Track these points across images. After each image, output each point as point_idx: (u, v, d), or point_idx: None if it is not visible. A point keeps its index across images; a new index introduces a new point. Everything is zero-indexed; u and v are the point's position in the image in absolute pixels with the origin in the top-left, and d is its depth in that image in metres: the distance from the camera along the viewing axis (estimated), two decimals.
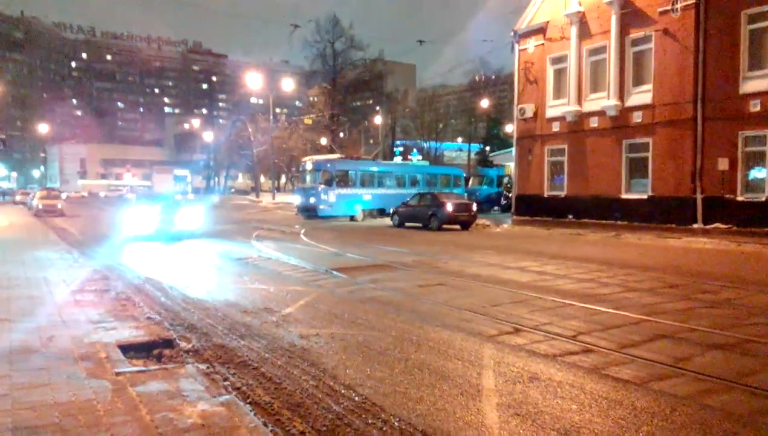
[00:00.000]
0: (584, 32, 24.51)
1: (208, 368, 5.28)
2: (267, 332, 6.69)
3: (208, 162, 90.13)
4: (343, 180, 29.68)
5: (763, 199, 19.15)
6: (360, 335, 6.55)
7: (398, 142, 75.17)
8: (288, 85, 61.05)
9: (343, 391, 4.79)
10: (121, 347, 5.65)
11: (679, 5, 20.84)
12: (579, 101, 24.88)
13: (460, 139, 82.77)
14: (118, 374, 4.84)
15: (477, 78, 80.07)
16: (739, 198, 19.75)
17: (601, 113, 23.92)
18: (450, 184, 35.05)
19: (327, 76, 65.19)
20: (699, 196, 20.65)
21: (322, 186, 28.82)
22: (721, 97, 20.11)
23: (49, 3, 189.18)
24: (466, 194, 34.84)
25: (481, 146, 69.43)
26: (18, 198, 55.77)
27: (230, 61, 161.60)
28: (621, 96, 23.14)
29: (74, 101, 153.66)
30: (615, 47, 23.05)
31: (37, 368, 4.98)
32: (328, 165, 29.98)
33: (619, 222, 22.63)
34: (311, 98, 71.19)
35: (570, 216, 24.90)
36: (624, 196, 23.27)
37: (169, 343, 6.00)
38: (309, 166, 30.66)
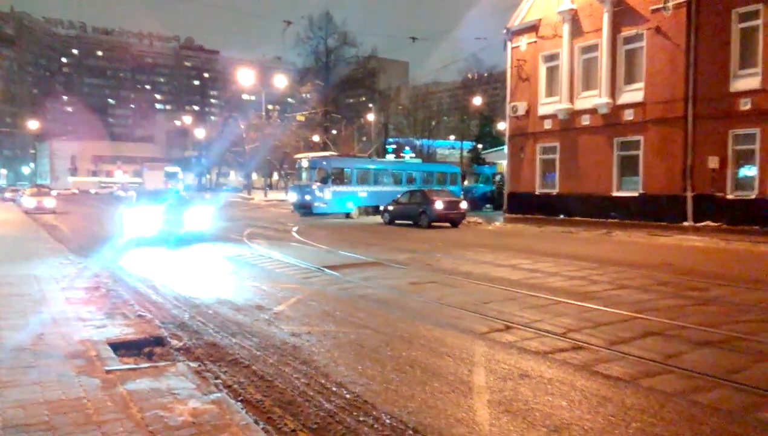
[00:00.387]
0: (576, 30, 24.57)
1: (199, 365, 5.28)
2: (258, 330, 6.68)
3: (200, 159, 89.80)
4: (339, 178, 29.68)
5: (753, 197, 19.28)
6: (352, 333, 6.55)
7: (391, 140, 75.14)
8: (281, 81, 60.88)
9: (334, 388, 4.79)
10: (112, 345, 5.62)
11: (670, 3, 20.92)
12: (571, 99, 24.95)
13: (452, 137, 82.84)
14: (108, 372, 4.82)
15: (470, 76, 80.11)
16: (729, 196, 19.88)
17: (592, 111, 24.00)
18: (447, 182, 35.08)
19: (320, 73, 65.05)
20: (689, 194, 20.77)
21: (318, 183, 28.85)
22: (712, 95, 20.23)
23: None
24: (462, 192, 34.97)
25: (474, 144, 69.53)
26: (7, 195, 55.36)
27: (222, 57, 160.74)
28: (613, 94, 23.23)
29: (65, 97, 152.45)
30: (607, 45, 23.12)
31: (27, 365, 4.95)
32: (324, 163, 29.97)
33: (610, 220, 22.72)
34: (304, 95, 70.92)
35: (562, 214, 24.99)
36: (615, 193, 23.37)
37: (159, 341, 5.99)
38: (305, 163, 30.67)
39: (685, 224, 20.52)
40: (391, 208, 25.29)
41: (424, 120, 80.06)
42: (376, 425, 4.06)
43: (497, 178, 39.07)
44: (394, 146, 71.60)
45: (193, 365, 5.24)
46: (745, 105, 19.39)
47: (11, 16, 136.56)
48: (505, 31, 28.05)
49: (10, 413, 3.92)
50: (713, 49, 20.18)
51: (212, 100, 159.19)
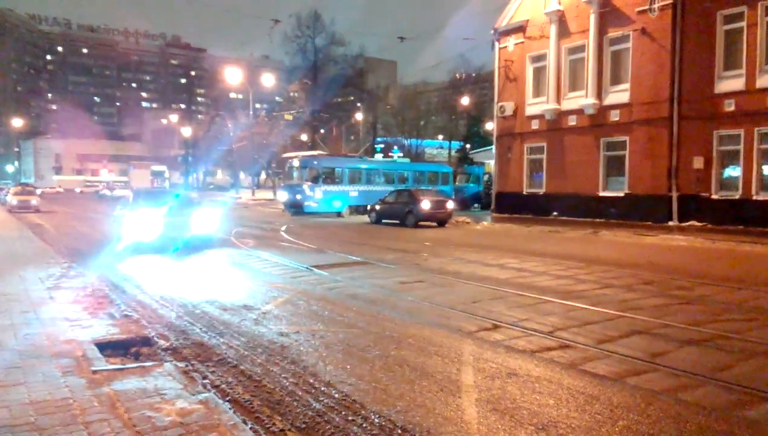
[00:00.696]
0: (563, 31, 24.71)
1: (186, 365, 5.25)
2: (246, 330, 6.66)
3: (187, 158, 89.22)
4: (330, 177, 29.73)
5: (737, 197, 19.51)
6: (340, 332, 6.55)
7: (379, 139, 75.14)
8: (268, 80, 60.63)
9: (323, 388, 4.79)
10: (98, 345, 5.58)
11: (656, 5, 21.12)
12: (558, 99, 25.10)
13: (440, 137, 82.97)
14: (95, 372, 4.79)
15: (458, 76, 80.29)
16: (714, 196, 20.10)
17: (579, 112, 24.16)
18: (438, 182, 35.18)
19: (308, 72, 64.82)
20: (674, 194, 20.97)
21: (309, 183, 28.91)
22: (697, 96, 20.44)
23: None
24: (454, 191, 35.11)
25: (462, 144, 69.67)
26: None
27: (209, 55, 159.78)
28: (599, 95, 23.40)
29: (49, 95, 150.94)
30: (593, 46, 23.28)
31: (12, 366, 4.90)
32: (315, 162, 30.03)
33: (596, 219, 22.88)
34: (292, 94, 70.86)
35: (549, 213, 25.13)
36: (601, 193, 23.55)
37: (146, 341, 5.95)
38: (296, 163, 30.75)
39: (671, 223, 20.72)
40: (378, 207, 25.27)
41: (413, 120, 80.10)
42: (364, 425, 4.06)
43: (485, 177, 39.21)
44: (383, 146, 71.58)
45: (181, 365, 5.22)
46: (730, 106, 19.61)
47: None
48: (492, 31, 28.15)
49: None
50: (698, 50, 20.39)
51: (199, 99, 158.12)
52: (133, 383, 4.57)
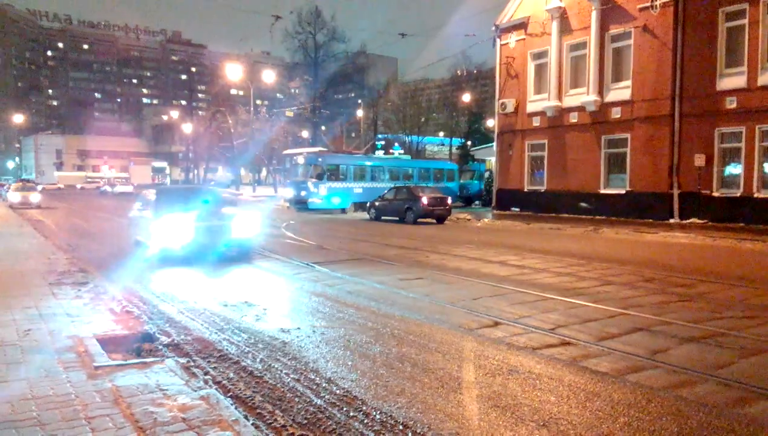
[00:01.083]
0: (565, 28, 24.68)
1: (188, 361, 5.26)
2: (247, 326, 6.67)
3: (187, 154, 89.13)
4: (334, 174, 29.85)
5: (738, 194, 19.51)
6: (341, 329, 6.56)
7: (380, 136, 75.09)
8: (269, 76, 60.65)
9: (324, 384, 4.80)
10: (100, 341, 5.59)
11: (658, 2, 21.08)
12: (559, 96, 25.07)
13: (441, 134, 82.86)
14: (97, 368, 4.80)
15: (459, 72, 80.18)
16: (715, 194, 20.10)
17: (580, 109, 24.14)
18: (444, 179, 35.25)
19: (308, 69, 64.82)
20: (676, 192, 20.97)
21: (313, 180, 29.02)
22: (699, 93, 20.42)
23: None
24: (459, 188, 35.23)
25: (463, 141, 69.62)
26: None
27: (210, 51, 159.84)
28: (600, 92, 23.38)
29: (50, 91, 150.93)
30: (595, 43, 23.25)
31: (14, 361, 4.91)
32: (320, 159, 30.13)
33: (597, 217, 22.89)
34: (292, 90, 70.71)
35: (550, 211, 25.12)
36: (602, 191, 23.55)
37: (148, 337, 5.96)
38: (300, 159, 30.89)
39: (672, 221, 20.72)
40: (377, 204, 25.26)
41: (414, 116, 79.99)
42: (366, 421, 4.07)
43: (486, 174, 39.23)
44: (383, 143, 71.54)
45: (182, 360, 5.23)
46: (731, 103, 19.60)
47: None
48: (494, 28, 28.13)
49: None
50: (700, 47, 20.36)
51: (200, 95, 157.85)
52: (135, 378, 4.58)
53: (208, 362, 5.36)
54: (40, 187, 42.75)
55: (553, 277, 10.18)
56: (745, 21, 19.25)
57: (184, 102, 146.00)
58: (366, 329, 6.57)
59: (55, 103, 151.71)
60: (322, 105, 66.35)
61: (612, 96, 23.13)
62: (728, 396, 4.57)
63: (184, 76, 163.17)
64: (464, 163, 49.26)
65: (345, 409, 4.28)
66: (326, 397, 4.51)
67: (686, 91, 20.77)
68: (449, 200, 24.35)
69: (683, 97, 20.83)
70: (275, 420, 4.08)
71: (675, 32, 20.93)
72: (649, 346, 5.88)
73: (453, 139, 76.03)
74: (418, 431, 3.91)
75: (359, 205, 30.38)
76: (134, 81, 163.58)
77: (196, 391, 4.34)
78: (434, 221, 23.46)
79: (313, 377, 4.98)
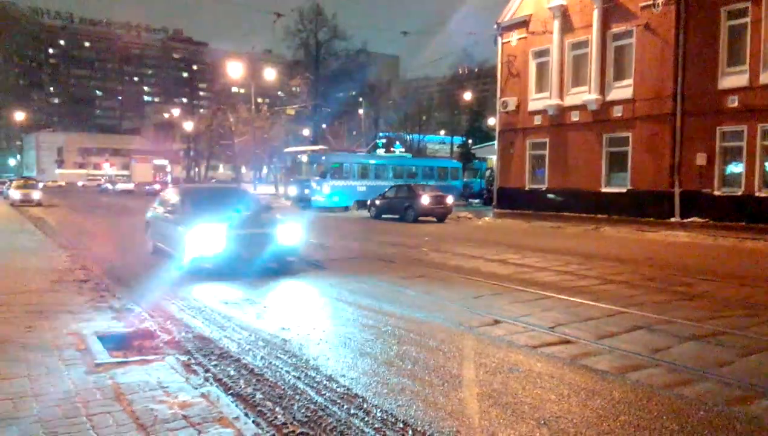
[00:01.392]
0: (567, 26, 24.64)
1: (188, 359, 5.26)
2: (248, 324, 6.67)
3: (189, 152, 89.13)
4: (338, 172, 29.97)
5: (740, 193, 19.49)
6: (341, 326, 6.56)
7: (381, 134, 75.05)
8: (270, 74, 60.52)
9: (325, 382, 4.80)
10: (101, 338, 5.60)
11: (660, 0, 21.03)
12: (561, 95, 25.04)
13: (442, 132, 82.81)
14: (98, 365, 4.80)
15: (460, 70, 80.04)
16: (716, 192, 20.08)
17: (582, 107, 24.11)
18: (447, 177, 35.30)
19: (310, 67, 64.69)
20: (677, 191, 20.95)
21: (317, 178, 29.14)
22: (700, 92, 20.38)
23: None
24: (463, 187, 35.27)
25: (464, 139, 69.54)
26: None
27: (211, 49, 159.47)
28: (602, 90, 23.34)
29: (51, 89, 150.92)
30: (596, 42, 23.22)
31: (15, 359, 4.92)
32: (323, 157, 30.26)
33: (598, 215, 22.87)
34: (293, 88, 70.57)
35: (551, 209, 25.10)
36: (604, 189, 23.52)
37: (149, 334, 5.97)
38: (304, 158, 31.00)
39: (673, 219, 20.70)
40: (377, 202, 25.27)
41: (415, 115, 79.93)
42: (366, 418, 4.07)
43: (487, 173, 39.24)
44: (384, 141, 71.50)
45: (183, 358, 5.23)
46: (733, 102, 19.57)
47: None
48: (495, 26, 28.10)
49: None
50: (702, 46, 20.33)
51: (201, 93, 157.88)
52: (135, 375, 4.58)
53: (209, 359, 5.36)
54: (41, 185, 42.83)
55: (553, 275, 10.18)
56: (747, 19, 19.21)
57: (185, 100, 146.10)
58: (366, 326, 6.58)
59: (56, 100, 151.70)
60: (323, 103, 66.32)
61: (613, 95, 23.10)
62: (729, 395, 4.57)
63: (185, 74, 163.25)
64: (467, 162, 49.31)
65: (346, 407, 4.28)
66: (327, 394, 4.52)
67: (688, 89, 20.74)
68: (449, 199, 24.34)
69: (685, 95, 20.80)
70: (276, 418, 4.08)
71: (677, 31, 20.89)
72: (650, 344, 5.88)
73: (454, 137, 75.95)
74: (419, 429, 3.91)
75: (362, 204, 30.43)
76: (135, 79, 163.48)
77: (196, 388, 4.35)
78: (434, 219, 23.45)
79: (313, 374, 4.98)
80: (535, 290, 8.70)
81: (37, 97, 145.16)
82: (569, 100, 24.77)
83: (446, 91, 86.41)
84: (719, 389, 4.71)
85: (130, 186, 66.19)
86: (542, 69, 26.18)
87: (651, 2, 21.30)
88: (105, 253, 12.68)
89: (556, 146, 25.43)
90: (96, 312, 6.66)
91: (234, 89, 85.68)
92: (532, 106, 26.42)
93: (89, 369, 4.70)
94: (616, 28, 22.83)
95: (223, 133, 68.76)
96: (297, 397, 4.47)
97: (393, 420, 4.04)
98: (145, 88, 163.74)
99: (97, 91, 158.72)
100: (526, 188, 26.90)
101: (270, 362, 5.29)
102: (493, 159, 32.51)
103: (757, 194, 19.10)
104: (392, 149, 61.77)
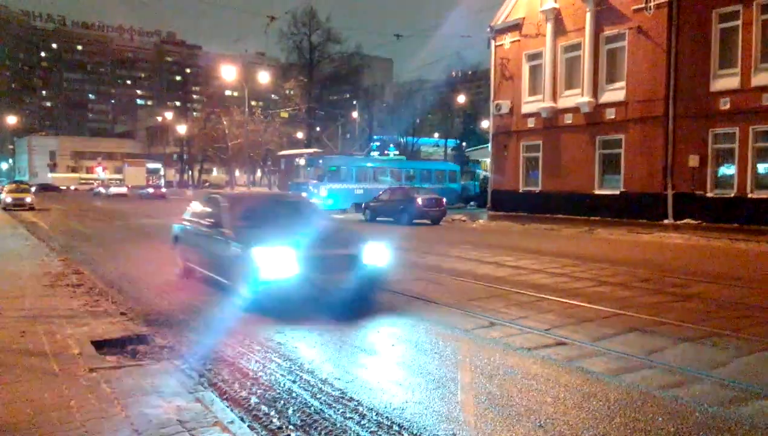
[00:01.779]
0: (559, 29, 24.74)
1: (183, 363, 5.23)
2: (242, 327, 6.65)
3: (182, 155, 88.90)
4: (336, 175, 30.04)
5: (732, 195, 19.59)
6: (336, 330, 6.55)
7: (376, 137, 75.11)
8: (264, 77, 60.46)
9: (320, 385, 4.79)
10: (95, 343, 5.57)
11: (652, 3, 21.16)
12: (554, 98, 25.13)
13: (436, 135, 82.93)
14: (92, 370, 4.77)
15: (454, 73, 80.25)
16: (709, 194, 20.18)
17: (575, 110, 24.20)
18: (445, 180, 35.39)
19: (303, 69, 64.73)
20: (670, 193, 21.04)
21: (314, 181, 29.19)
22: (692, 94, 20.50)
23: None
24: (461, 189, 35.37)
25: (458, 142, 69.69)
26: None
27: (204, 52, 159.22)
28: (595, 93, 23.44)
29: (44, 92, 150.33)
30: (589, 44, 23.32)
31: (9, 364, 4.88)
32: (321, 160, 30.39)
33: (592, 217, 22.93)
34: (287, 91, 70.53)
35: (545, 211, 25.15)
36: (597, 191, 23.60)
37: (143, 338, 5.93)
38: (302, 161, 31.11)
39: (666, 221, 20.79)
40: (372, 205, 25.27)
41: (409, 117, 79.98)
42: (362, 422, 4.06)
43: (481, 175, 39.35)
44: (378, 144, 71.53)
45: (178, 362, 5.20)
46: (725, 104, 19.68)
47: None
48: (488, 29, 28.18)
49: None
50: (694, 49, 20.45)
51: (194, 96, 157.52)
52: (130, 381, 4.56)
53: (204, 363, 5.33)
54: (33, 189, 42.61)
55: (548, 277, 10.20)
56: (739, 22, 19.34)
57: (178, 103, 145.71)
58: (361, 329, 6.57)
59: (48, 104, 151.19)
60: (317, 106, 66.31)
61: (606, 97, 23.20)
62: (724, 396, 4.59)
63: (178, 77, 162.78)
64: (462, 165, 49.47)
65: (341, 410, 4.27)
66: (322, 398, 4.51)
67: (680, 92, 20.85)
68: (444, 201, 24.36)
69: (677, 98, 20.91)
70: (271, 422, 4.06)
71: (669, 33, 21.00)
72: (645, 346, 5.90)
73: (448, 140, 76.10)
74: (414, 432, 3.90)
75: (360, 207, 30.46)
76: (128, 82, 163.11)
77: (191, 393, 4.33)
78: (429, 222, 23.46)
79: (308, 378, 4.97)
80: (530, 292, 8.71)
81: (29, 101, 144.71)
82: (562, 103, 24.86)
83: (440, 94, 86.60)
84: (714, 390, 4.72)
85: (124, 190, 65.92)
86: (535, 72, 26.27)
87: (643, 5, 21.42)
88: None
89: (550, 149, 25.51)
90: (90, 317, 6.62)
91: (227, 92, 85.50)
92: (526, 108, 26.49)
93: (83, 375, 4.66)
94: (609, 31, 22.93)
95: (217, 137, 68.55)
96: (292, 400, 4.45)
97: (389, 423, 4.03)
98: (138, 92, 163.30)
99: (90, 95, 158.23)
100: (520, 191, 26.97)
101: (265, 366, 5.25)
102: (487, 162, 32.58)
103: (749, 196, 19.21)
104: (386, 152, 61.82)
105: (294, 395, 4.58)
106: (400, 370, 5.25)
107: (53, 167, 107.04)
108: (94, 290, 8.24)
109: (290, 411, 4.25)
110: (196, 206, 10.15)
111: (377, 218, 24.85)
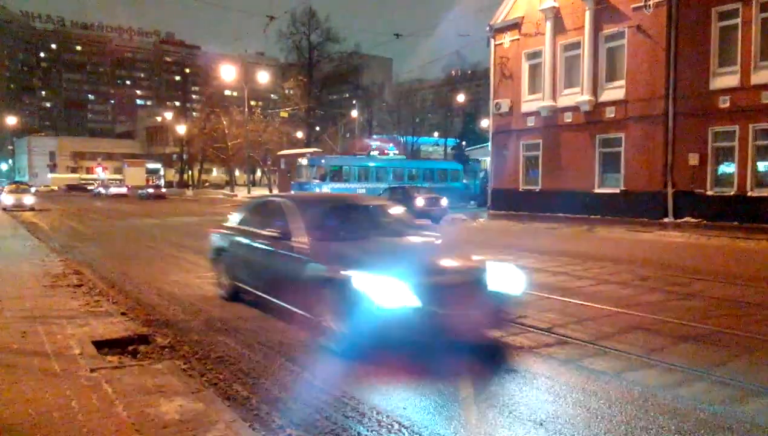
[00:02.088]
0: (559, 28, 24.71)
1: (184, 363, 5.23)
2: (244, 327, 6.65)
3: (182, 155, 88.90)
4: (338, 175, 30.17)
5: (732, 193, 19.58)
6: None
7: (375, 136, 75.14)
8: (263, 77, 60.54)
9: (321, 385, 4.79)
10: (96, 343, 5.56)
11: (651, 2, 21.13)
12: (554, 96, 25.11)
13: (436, 134, 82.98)
14: (93, 370, 4.77)
15: (453, 73, 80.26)
16: (709, 192, 20.17)
17: (575, 108, 24.18)
18: (448, 179, 35.44)
19: (303, 69, 64.75)
20: (670, 191, 21.03)
21: (316, 181, 29.32)
22: (692, 93, 20.48)
23: None
24: (464, 188, 35.41)
25: (458, 141, 69.70)
26: None
27: (203, 52, 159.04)
28: (594, 91, 23.42)
29: (43, 93, 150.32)
30: (589, 43, 23.29)
31: (9, 364, 4.88)
32: (323, 160, 30.56)
33: (592, 216, 22.91)
34: (287, 91, 70.53)
35: (545, 210, 25.13)
36: (597, 190, 23.58)
37: (144, 338, 5.93)
38: (304, 161, 31.25)
39: (666, 220, 20.78)
40: None
41: (408, 117, 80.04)
42: (364, 421, 4.06)
43: (481, 174, 39.36)
44: (378, 143, 71.52)
45: (179, 362, 5.20)
46: (725, 103, 19.67)
47: None
48: (488, 28, 28.14)
49: None
50: (693, 47, 20.43)
51: (193, 96, 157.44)
52: (131, 381, 4.55)
53: (205, 363, 5.33)
54: (33, 190, 42.62)
55: (549, 276, 10.19)
56: (738, 20, 19.32)
57: (178, 103, 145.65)
58: None
59: (48, 104, 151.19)
60: (316, 106, 66.29)
61: (606, 96, 23.18)
62: (725, 394, 4.59)
63: (177, 77, 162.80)
64: (463, 164, 49.55)
65: (343, 410, 4.26)
66: (324, 398, 4.50)
67: (680, 90, 20.83)
68: (444, 200, 24.35)
69: (677, 96, 20.89)
70: (273, 421, 4.06)
71: (668, 32, 20.99)
72: (646, 344, 5.90)
73: (448, 139, 76.12)
74: (416, 431, 3.90)
75: None
76: (128, 82, 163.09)
77: (193, 393, 4.33)
78: (429, 221, 23.44)
79: (310, 378, 4.97)
80: (530, 291, 8.69)
81: (28, 101, 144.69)
82: (562, 102, 24.84)
83: (439, 93, 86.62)
84: (716, 389, 4.72)
85: (124, 190, 65.93)
86: (535, 70, 26.24)
87: (643, 3, 21.40)
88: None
89: (550, 147, 25.49)
90: (91, 317, 6.62)
91: (227, 92, 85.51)
92: (525, 107, 26.47)
93: (84, 375, 4.66)
94: (608, 30, 22.91)
95: (216, 137, 68.58)
96: (293, 400, 4.44)
97: (391, 423, 4.03)
98: (138, 92, 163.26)
99: (90, 95, 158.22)
100: (520, 190, 26.95)
101: (266, 366, 5.25)
102: (487, 161, 32.57)
103: (749, 194, 19.20)
104: (386, 152, 61.80)
105: None
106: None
107: (53, 168, 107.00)
108: (94, 290, 8.24)
109: None
110: (251, 213, 8.31)
111: None
